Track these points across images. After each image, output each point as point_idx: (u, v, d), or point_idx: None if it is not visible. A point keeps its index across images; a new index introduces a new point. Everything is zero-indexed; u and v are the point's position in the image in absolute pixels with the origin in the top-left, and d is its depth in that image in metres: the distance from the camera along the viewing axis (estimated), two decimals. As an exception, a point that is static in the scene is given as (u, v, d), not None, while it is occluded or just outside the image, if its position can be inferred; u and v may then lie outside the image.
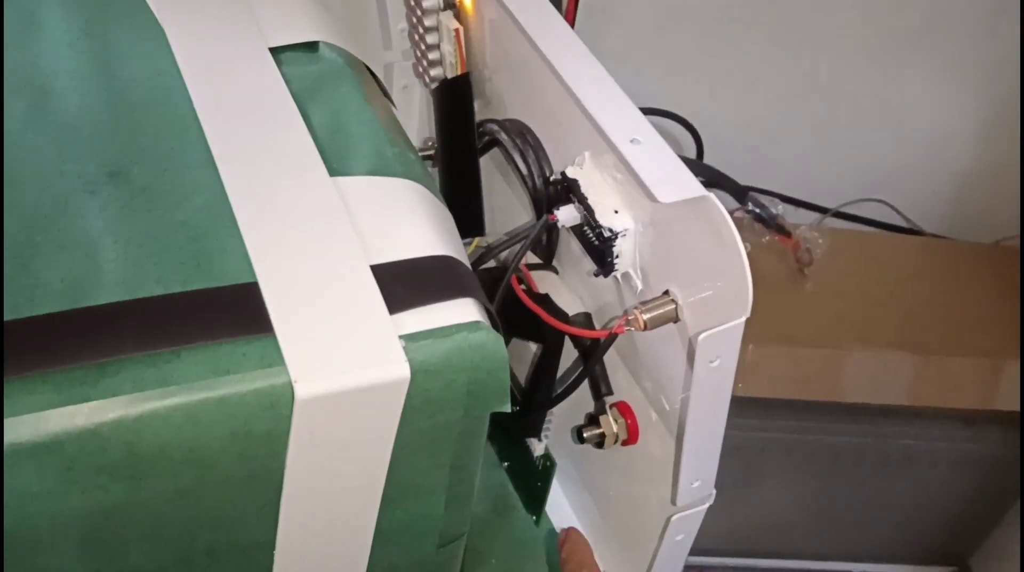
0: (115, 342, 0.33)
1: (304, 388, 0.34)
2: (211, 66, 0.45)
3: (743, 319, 0.38)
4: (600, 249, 0.46)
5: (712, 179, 0.83)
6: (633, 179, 0.40)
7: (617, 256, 0.45)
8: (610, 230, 0.44)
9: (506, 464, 0.62)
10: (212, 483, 0.35)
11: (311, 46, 0.49)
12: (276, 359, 0.34)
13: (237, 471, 0.36)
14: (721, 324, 0.39)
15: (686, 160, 0.53)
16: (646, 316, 0.43)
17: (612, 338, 0.45)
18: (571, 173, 0.47)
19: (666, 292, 0.43)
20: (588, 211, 0.46)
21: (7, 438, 0.31)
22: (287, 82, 0.45)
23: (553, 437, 0.60)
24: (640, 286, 0.46)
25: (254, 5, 0.49)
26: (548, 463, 0.58)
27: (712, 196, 0.38)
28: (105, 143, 0.40)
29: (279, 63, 0.46)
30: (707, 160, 0.90)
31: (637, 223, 0.44)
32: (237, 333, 0.35)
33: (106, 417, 0.32)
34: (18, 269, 0.35)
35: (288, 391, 0.34)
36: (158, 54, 0.45)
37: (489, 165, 0.61)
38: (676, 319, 0.43)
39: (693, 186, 0.38)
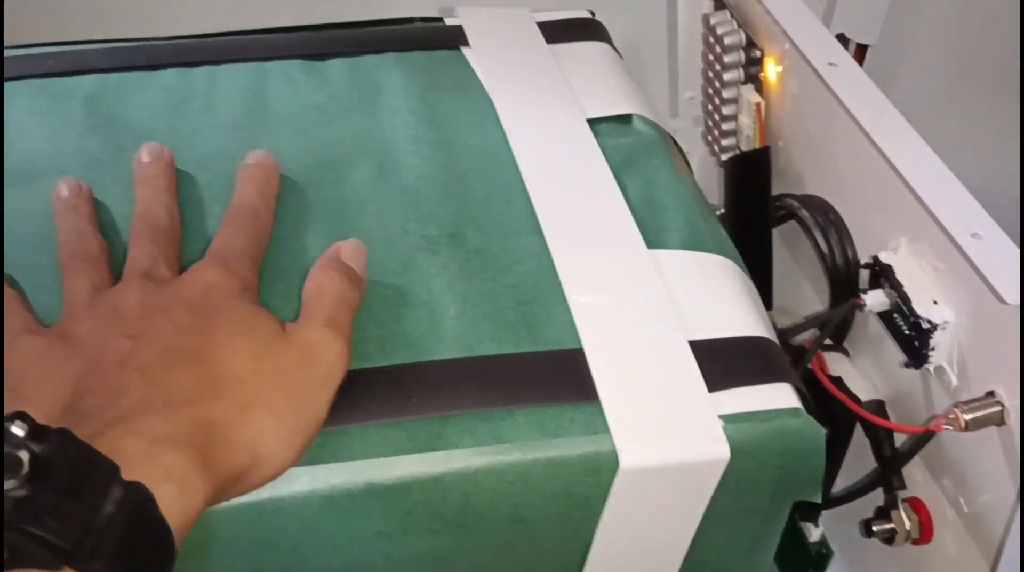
0: (457, 397, 0.36)
1: (628, 458, 0.35)
2: (535, 135, 0.48)
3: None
4: (913, 339, 0.44)
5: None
6: (971, 274, 0.38)
7: (932, 348, 0.44)
8: (928, 321, 0.43)
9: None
10: (529, 540, 0.37)
11: (624, 118, 0.50)
12: (601, 427, 0.35)
13: (553, 531, 0.37)
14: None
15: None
16: (968, 416, 0.41)
17: (929, 436, 0.43)
18: (885, 258, 0.46)
19: (991, 393, 0.41)
20: (903, 299, 0.44)
21: (364, 478, 0.34)
22: (604, 153, 0.47)
23: (830, 525, 0.58)
24: (955, 382, 0.44)
25: (572, 78, 0.52)
26: (824, 551, 0.56)
27: (1063, 298, 0.36)
28: (443, 206, 0.44)
29: (595, 134, 0.48)
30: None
31: (960, 316, 0.42)
32: (565, 398, 0.36)
33: (450, 467, 0.34)
34: (370, 320, 0.38)
35: (612, 459, 0.35)
36: (487, 123, 0.48)
37: (774, 237, 0.61)
38: (1001, 422, 0.41)
39: (1042, 287, 0.37)
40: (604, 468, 0.35)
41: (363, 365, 0.37)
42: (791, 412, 0.37)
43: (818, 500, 0.39)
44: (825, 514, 0.58)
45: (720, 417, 0.36)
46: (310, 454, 0.34)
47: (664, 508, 0.37)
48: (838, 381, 0.51)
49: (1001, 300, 0.36)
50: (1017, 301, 0.36)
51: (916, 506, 0.49)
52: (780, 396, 0.38)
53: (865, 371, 0.53)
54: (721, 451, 0.36)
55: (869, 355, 0.52)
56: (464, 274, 0.40)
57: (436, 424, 0.35)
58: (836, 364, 0.53)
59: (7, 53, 0.51)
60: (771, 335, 0.41)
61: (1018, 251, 0.38)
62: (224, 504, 0.32)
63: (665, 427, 0.36)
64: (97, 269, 0.37)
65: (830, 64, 0.47)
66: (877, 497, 0.51)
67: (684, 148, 0.72)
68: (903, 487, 0.50)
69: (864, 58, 0.87)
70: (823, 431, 0.37)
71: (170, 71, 0.50)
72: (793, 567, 0.58)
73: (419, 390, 0.36)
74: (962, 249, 0.38)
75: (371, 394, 0.35)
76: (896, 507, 0.49)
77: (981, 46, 0.88)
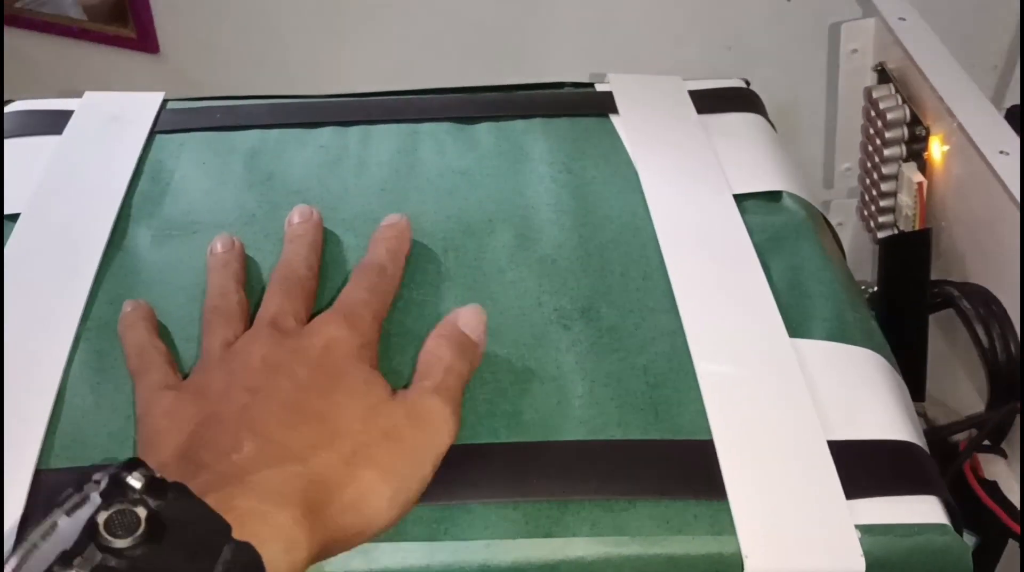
0: (579, 482, 0.35)
1: (754, 563, 0.33)
2: (679, 209, 0.47)
3: None
4: (1081, 453, 0.40)
5: None
6: None
7: (1102, 465, 0.40)
8: (1098, 436, 0.39)
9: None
10: (644, 635, 0.36)
11: (774, 195, 0.49)
12: (728, 527, 0.34)
13: (672, 630, 0.35)
14: None
15: None
16: None
17: (1092, 562, 0.39)
18: (1053, 361, 0.42)
19: None
20: (1069, 408, 0.41)
21: (480, 558, 0.33)
22: (749, 231, 0.46)
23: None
24: None
25: (721, 150, 0.51)
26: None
27: None
28: (579, 278, 0.43)
29: (742, 210, 0.47)
30: None
31: None
32: (691, 492, 0.35)
33: (566, 556, 0.34)
34: (498, 394, 0.38)
35: (737, 562, 0.33)
36: (630, 193, 0.48)
37: (930, 321, 0.57)
38: None
39: None
40: (728, 571, 0.34)
41: (489, 440, 0.36)
42: (937, 528, 0.34)
43: (962, 626, 0.36)
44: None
45: (857, 527, 0.34)
46: (429, 529, 0.34)
47: (790, 618, 0.35)
48: (992, 486, 0.47)
49: None
50: None
51: (1077, 633, 0.45)
52: (925, 509, 0.35)
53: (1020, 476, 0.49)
54: (856, 564, 0.33)
55: (1030, 461, 0.48)
56: (594, 352, 0.40)
57: (556, 508, 0.34)
58: (992, 466, 0.49)
59: (178, 105, 0.54)
60: (920, 441, 0.38)
61: None
62: (343, 570, 0.33)
63: (796, 533, 0.34)
64: (232, 325, 0.38)
65: (1001, 153, 0.44)
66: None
67: (837, 219, 0.70)
68: (1063, 611, 0.46)
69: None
70: (969, 549, 0.34)
71: (327, 129, 0.52)
72: None
73: (541, 471, 0.35)
74: None
75: (494, 471, 0.35)
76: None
77: None
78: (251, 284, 0.42)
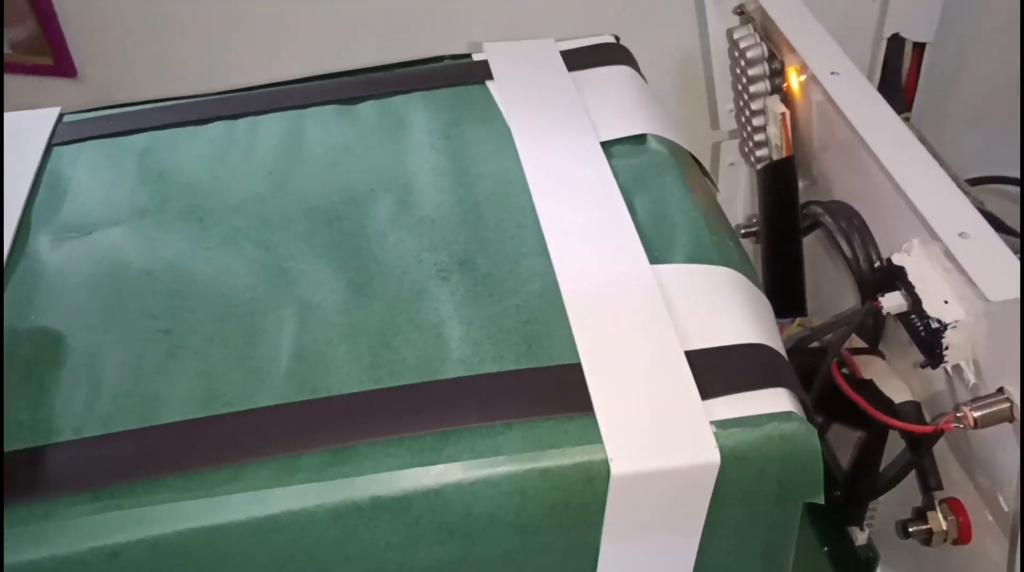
0: (458, 414, 0.38)
1: (619, 466, 0.36)
2: (549, 161, 0.50)
3: (1089, 426, 0.35)
4: (928, 339, 0.44)
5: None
6: (962, 273, 0.38)
7: (946, 348, 0.43)
8: (939, 321, 0.43)
9: (826, 549, 0.60)
10: (534, 550, 0.39)
11: (639, 138, 0.52)
12: (595, 437, 0.37)
13: (557, 541, 0.39)
14: (1062, 429, 0.36)
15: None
16: (976, 414, 0.40)
17: (937, 436, 0.43)
18: (897, 260, 0.46)
19: (1000, 389, 0.41)
20: (915, 300, 0.44)
21: (369, 492, 0.36)
22: (615, 174, 0.49)
23: (877, 528, 0.57)
24: (973, 380, 0.44)
25: (590, 103, 0.54)
26: (871, 555, 0.56)
27: (1052, 292, 0.35)
28: (456, 234, 0.46)
29: (609, 155, 0.50)
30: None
31: (969, 316, 0.42)
32: (561, 411, 0.38)
33: (449, 480, 0.37)
34: (382, 346, 0.41)
35: (604, 468, 0.37)
36: (505, 152, 0.51)
37: (815, 244, 0.61)
38: (1011, 418, 0.40)
39: (1029, 282, 0.36)
40: (598, 477, 0.37)
41: (373, 387, 0.39)
42: (783, 416, 0.38)
43: (821, 501, 0.39)
44: (879, 517, 0.58)
45: (713, 423, 0.37)
46: (319, 472, 0.36)
47: (663, 515, 0.38)
48: (869, 384, 0.51)
49: (983, 297, 0.36)
50: (998, 297, 0.36)
51: (954, 507, 0.49)
52: (774, 401, 0.38)
53: (902, 373, 0.53)
54: (711, 456, 0.37)
55: (902, 357, 0.52)
56: (471, 298, 0.43)
57: (438, 439, 0.37)
58: (872, 367, 0.53)
59: (73, 118, 0.56)
60: (773, 342, 0.41)
61: (1003, 246, 0.38)
62: (242, 518, 0.36)
63: (656, 435, 0.37)
64: None
65: (832, 73, 0.47)
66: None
67: (729, 159, 0.73)
68: (939, 487, 0.50)
69: (922, 57, 0.86)
70: (815, 433, 0.38)
71: (217, 124, 0.55)
72: (842, 567, 0.58)
73: (421, 408, 0.38)
74: (948, 249, 0.38)
75: (379, 415, 0.38)
76: (933, 508, 0.49)
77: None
78: (147, 275, 0.45)
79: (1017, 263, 0.37)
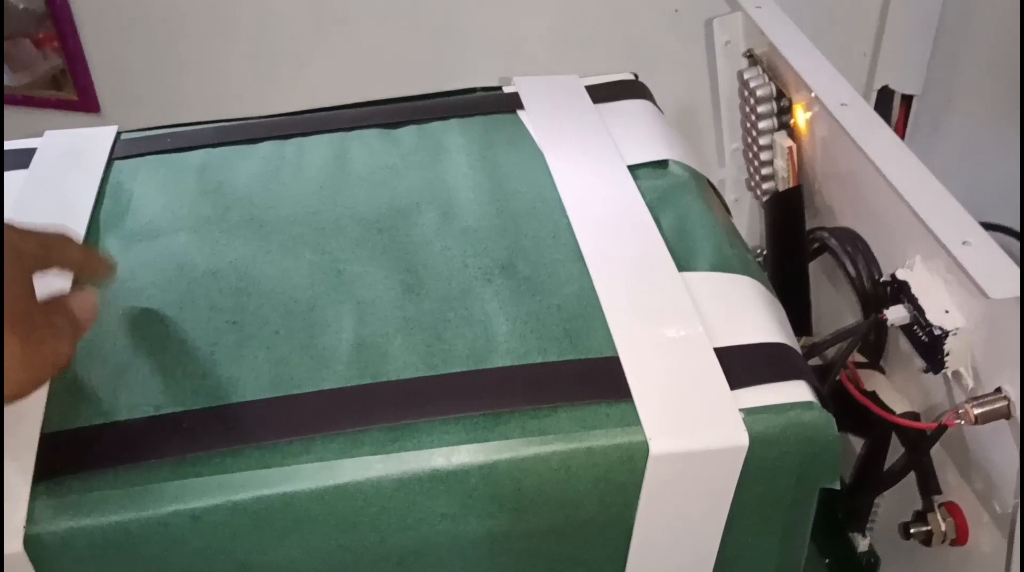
0: (508, 397, 0.42)
1: (657, 445, 0.40)
2: (580, 182, 0.54)
3: (1080, 413, 0.39)
4: (930, 346, 0.48)
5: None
6: (964, 278, 0.43)
7: (947, 354, 0.48)
8: (940, 328, 0.47)
9: (827, 560, 0.63)
10: (577, 524, 0.42)
11: (661, 163, 0.56)
12: (634, 420, 0.41)
13: (597, 515, 0.42)
14: (1056, 418, 0.40)
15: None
16: (977, 410, 0.44)
17: (941, 430, 0.47)
18: (902, 275, 0.50)
19: (998, 389, 0.45)
20: (918, 311, 0.49)
21: (429, 465, 0.40)
22: (642, 193, 0.53)
23: (878, 536, 0.61)
24: (971, 384, 0.48)
25: (614, 131, 0.58)
26: (872, 560, 0.59)
27: (1045, 293, 0.40)
28: (497, 243, 0.50)
29: (635, 178, 0.54)
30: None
31: (968, 322, 0.46)
32: (602, 397, 0.42)
33: (501, 456, 0.40)
34: (435, 338, 0.45)
35: (643, 448, 0.40)
36: (538, 173, 0.55)
37: (817, 271, 0.65)
38: (1008, 415, 0.44)
39: (1025, 284, 0.41)
40: (637, 455, 0.40)
41: (428, 373, 0.43)
42: (804, 405, 0.42)
43: (837, 486, 0.43)
44: (879, 526, 0.61)
45: (741, 410, 0.41)
46: (384, 446, 0.40)
47: (695, 493, 0.42)
48: (872, 395, 0.55)
49: (985, 295, 0.40)
50: (999, 295, 0.40)
51: (952, 509, 0.52)
52: (795, 392, 0.42)
53: (901, 387, 0.57)
54: (740, 438, 0.40)
55: (902, 370, 0.56)
56: (515, 298, 0.47)
57: (491, 420, 0.41)
58: (872, 381, 0.57)
59: (130, 136, 0.60)
60: (791, 341, 0.45)
61: (1003, 253, 0.42)
62: (312, 486, 0.39)
63: (690, 419, 0.41)
64: None
65: (842, 104, 0.52)
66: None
67: (734, 196, 0.78)
68: (939, 491, 0.53)
69: (910, 108, 0.92)
70: (833, 421, 0.42)
71: (266, 143, 0.59)
72: (845, 577, 0.61)
73: (475, 392, 0.42)
74: (954, 255, 0.42)
75: (435, 397, 0.42)
76: (932, 510, 0.53)
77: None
78: (214, 275, 0.48)
79: (1016, 268, 0.42)
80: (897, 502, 0.58)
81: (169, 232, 0.52)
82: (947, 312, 0.47)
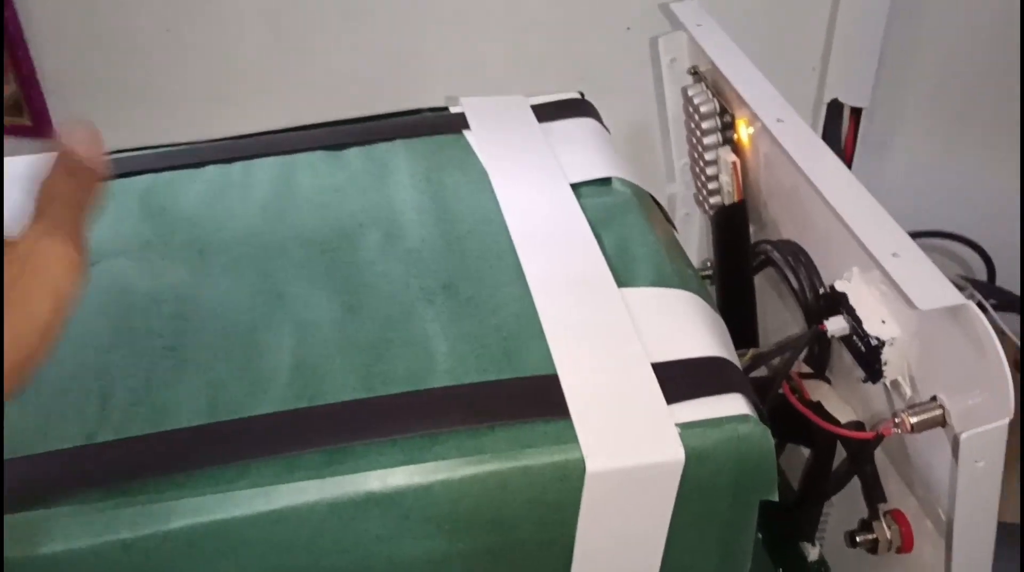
0: (445, 417, 0.42)
1: (593, 463, 0.40)
2: (523, 201, 0.54)
3: (1006, 421, 0.40)
4: (868, 356, 0.49)
5: (1005, 302, 0.82)
6: (895, 290, 0.43)
7: (885, 363, 0.48)
8: (877, 338, 0.48)
9: (780, 570, 0.64)
10: (514, 544, 0.42)
11: (604, 181, 0.57)
12: (571, 437, 0.41)
13: (534, 536, 0.42)
14: (985, 424, 0.41)
15: (975, 282, 0.53)
16: (913, 419, 0.45)
17: (879, 439, 0.47)
18: (840, 287, 0.51)
19: (933, 397, 0.45)
20: (856, 321, 0.49)
21: (363, 488, 0.40)
22: (584, 211, 0.53)
23: (827, 546, 0.61)
24: (909, 393, 0.48)
25: (558, 150, 0.59)
26: (822, 568, 0.60)
27: (971, 304, 0.40)
28: (440, 263, 0.50)
29: (578, 195, 0.55)
30: (1003, 284, 0.89)
31: (904, 332, 0.47)
32: (539, 415, 0.42)
33: (437, 476, 0.40)
34: (375, 359, 0.45)
35: (580, 465, 0.40)
36: (483, 193, 0.55)
37: (763, 284, 0.66)
38: (944, 423, 0.45)
39: (952, 295, 0.41)
40: (573, 474, 0.40)
41: (366, 395, 0.43)
42: (740, 418, 0.42)
43: (775, 499, 0.43)
44: (828, 535, 0.61)
45: (677, 425, 0.41)
46: (318, 471, 0.40)
47: (633, 511, 0.42)
48: (817, 405, 0.55)
49: (913, 306, 0.41)
50: (927, 306, 0.41)
51: (897, 517, 0.53)
52: (731, 405, 0.43)
53: (845, 397, 0.57)
54: (677, 453, 0.41)
55: (845, 381, 0.57)
56: (455, 318, 0.47)
57: (427, 441, 0.41)
58: (818, 391, 0.58)
59: (76, 161, 0.60)
60: (729, 355, 0.46)
61: (931, 265, 0.43)
62: (247, 512, 0.39)
63: (627, 435, 0.41)
64: None
65: (778, 120, 0.53)
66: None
67: (684, 210, 0.79)
68: (883, 499, 0.54)
69: (859, 121, 0.93)
70: (769, 433, 0.42)
71: (211, 167, 0.59)
72: (797, 588, 0.62)
73: (412, 413, 0.42)
74: (883, 267, 0.43)
75: (372, 419, 0.42)
76: (878, 518, 0.53)
77: (970, 99, 0.93)
78: (152, 297, 0.48)
79: (943, 278, 0.42)
80: (846, 511, 0.59)
81: (110, 257, 0.51)
82: (884, 322, 0.48)
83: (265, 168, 0.58)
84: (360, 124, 0.63)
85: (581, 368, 0.44)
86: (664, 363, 0.44)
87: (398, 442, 0.41)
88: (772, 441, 0.42)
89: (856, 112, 0.91)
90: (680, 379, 0.43)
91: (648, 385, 0.43)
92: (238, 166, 0.59)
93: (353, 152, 0.60)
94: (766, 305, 0.65)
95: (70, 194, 0.37)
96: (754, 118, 0.58)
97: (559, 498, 0.41)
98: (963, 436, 0.41)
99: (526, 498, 0.41)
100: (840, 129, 0.92)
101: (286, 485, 0.39)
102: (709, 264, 0.70)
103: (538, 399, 0.43)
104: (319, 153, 0.60)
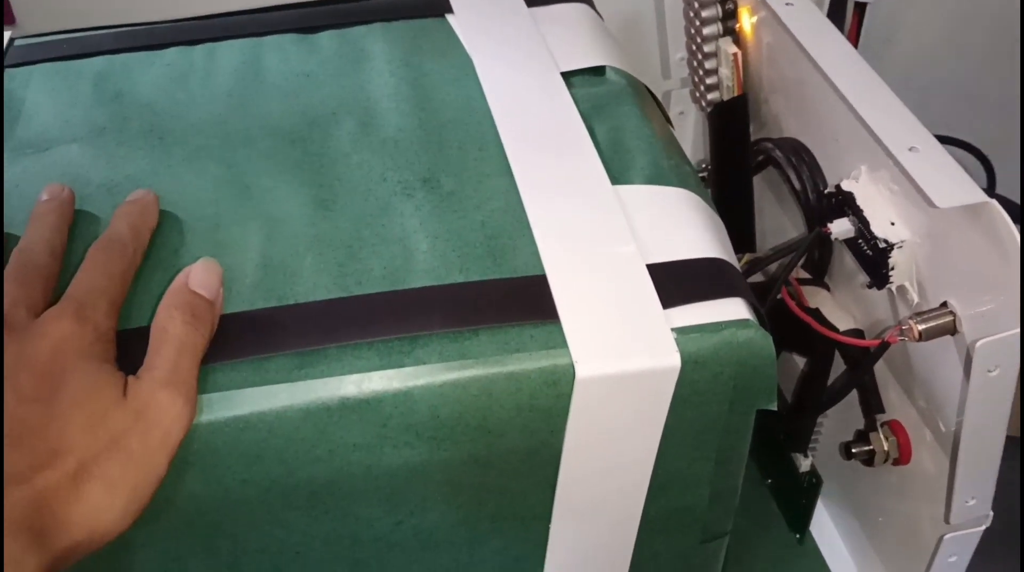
0: (425, 320, 0.39)
1: (583, 369, 0.38)
2: (510, 89, 0.50)
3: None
4: (875, 260, 0.46)
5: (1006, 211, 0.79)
6: (911, 187, 0.40)
7: (892, 268, 0.45)
8: (885, 241, 0.45)
9: (769, 481, 0.62)
10: (500, 453, 0.40)
11: (598, 70, 0.53)
12: (560, 342, 0.38)
13: (521, 443, 0.40)
14: (1001, 332, 0.38)
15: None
16: (921, 326, 0.42)
17: (884, 348, 0.45)
18: (846, 186, 0.47)
19: (944, 304, 0.43)
20: (863, 223, 0.46)
21: (338, 393, 0.37)
22: (575, 102, 0.50)
23: (820, 456, 0.60)
24: (916, 299, 0.46)
25: (549, 36, 0.55)
26: (814, 480, 0.58)
27: (995, 202, 0.37)
28: (420, 155, 0.47)
29: (569, 85, 0.51)
30: (1002, 191, 0.86)
31: (914, 235, 0.44)
32: (526, 318, 0.39)
33: (417, 382, 0.37)
34: (349, 257, 0.41)
35: (569, 371, 0.38)
36: (466, 80, 0.51)
37: (761, 186, 0.62)
38: (954, 331, 0.42)
39: (974, 192, 0.38)
40: (563, 380, 0.38)
41: (341, 295, 0.40)
42: (740, 323, 0.39)
43: (774, 408, 0.41)
44: (821, 446, 0.60)
45: (673, 330, 0.39)
46: (290, 373, 0.37)
47: (624, 418, 0.40)
48: (815, 312, 0.53)
49: (932, 204, 0.38)
50: (946, 204, 0.38)
51: (895, 428, 0.51)
52: (731, 309, 0.40)
53: (845, 304, 0.55)
54: (672, 360, 0.38)
55: (846, 287, 0.54)
56: (436, 214, 0.43)
57: (406, 344, 0.38)
58: (816, 298, 0.55)
59: (26, 42, 0.55)
60: (728, 257, 0.43)
61: (952, 161, 0.40)
62: (212, 418, 0.36)
63: (619, 340, 0.38)
64: (27, 288, 0.36)
65: (787, 4, 0.49)
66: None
67: (679, 109, 0.75)
68: (881, 410, 0.52)
69: (863, 16, 0.88)
70: (771, 339, 0.39)
71: (172, 50, 0.54)
72: (787, 498, 0.60)
73: (390, 315, 0.39)
74: (900, 162, 0.40)
75: (346, 320, 0.39)
76: (875, 429, 0.51)
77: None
78: (106, 193, 0.44)
79: (964, 174, 0.39)
80: (841, 422, 0.57)
81: (61, 143, 0.47)
82: (892, 224, 0.45)
83: (230, 52, 0.54)
84: (334, 5, 0.59)
85: (571, 268, 0.41)
86: (660, 264, 0.41)
87: (375, 345, 0.38)
88: (773, 347, 0.40)
89: (860, 7, 0.87)
90: (677, 281, 0.41)
91: (643, 287, 0.40)
92: (200, 49, 0.54)
93: (326, 35, 0.55)
94: (762, 209, 0.62)
95: (190, 341, 0.36)
96: (759, 4, 0.54)
97: (547, 405, 0.38)
98: (979, 344, 0.39)
99: (512, 405, 0.38)
100: (843, 26, 0.87)
101: (254, 389, 0.37)
102: (704, 166, 0.66)
103: (525, 301, 0.40)
104: (289, 36, 0.55)
